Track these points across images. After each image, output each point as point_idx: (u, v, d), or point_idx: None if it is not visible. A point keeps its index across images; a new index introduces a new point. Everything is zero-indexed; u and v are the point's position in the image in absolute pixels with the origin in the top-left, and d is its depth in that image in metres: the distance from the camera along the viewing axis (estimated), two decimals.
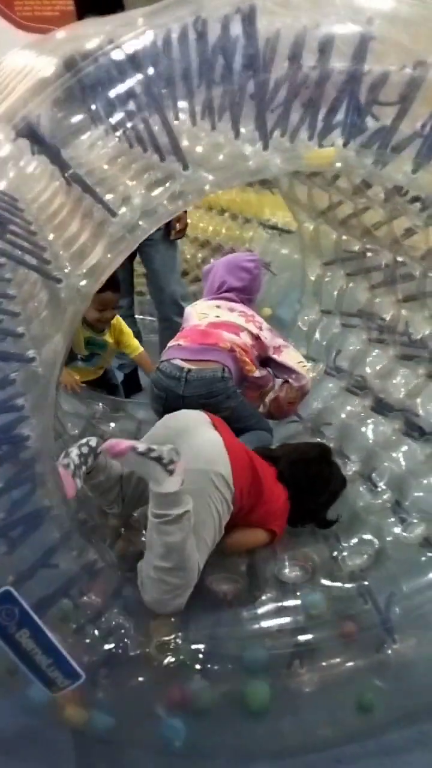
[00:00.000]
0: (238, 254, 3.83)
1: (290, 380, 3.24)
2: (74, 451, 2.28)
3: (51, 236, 2.03)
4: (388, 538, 2.63)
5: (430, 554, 2.52)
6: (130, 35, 1.89)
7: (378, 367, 3.29)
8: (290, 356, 3.23)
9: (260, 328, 3.16)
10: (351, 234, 3.37)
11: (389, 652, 2.23)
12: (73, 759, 2.25)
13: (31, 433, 1.93)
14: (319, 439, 3.28)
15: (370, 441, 3.16)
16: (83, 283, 1.91)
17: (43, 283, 1.96)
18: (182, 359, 2.95)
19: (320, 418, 3.49)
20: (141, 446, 2.11)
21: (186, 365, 2.91)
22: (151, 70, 1.85)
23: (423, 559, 2.51)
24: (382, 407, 3.19)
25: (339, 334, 3.67)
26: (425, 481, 2.79)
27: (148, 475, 2.14)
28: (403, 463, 2.92)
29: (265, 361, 3.20)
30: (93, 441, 2.35)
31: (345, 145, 1.89)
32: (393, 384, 3.14)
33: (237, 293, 3.33)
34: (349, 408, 3.41)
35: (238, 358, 2.98)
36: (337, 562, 2.57)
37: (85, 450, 2.30)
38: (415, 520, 2.67)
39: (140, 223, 1.88)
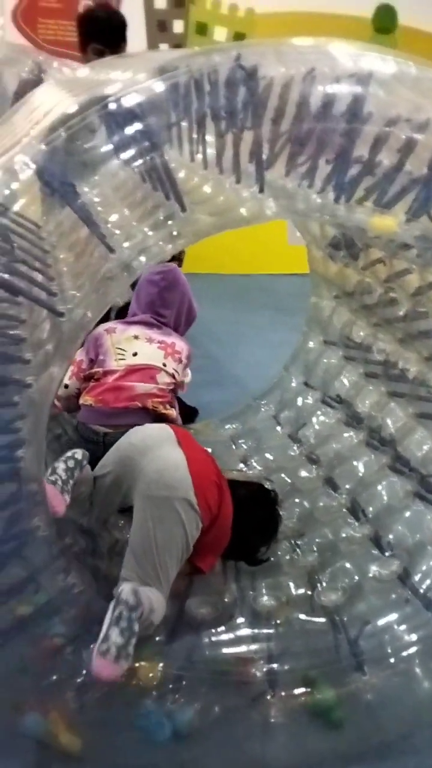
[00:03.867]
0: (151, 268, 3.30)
1: None
2: (60, 466, 2.28)
3: (64, 268, 2.12)
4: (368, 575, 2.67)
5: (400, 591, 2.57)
6: (147, 81, 1.99)
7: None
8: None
9: (179, 360, 3.08)
10: (366, 321, 3.44)
11: (358, 684, 2.32)
12: None
13: (24, 455, 2.00)
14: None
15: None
16: (86, 316, 1.99)
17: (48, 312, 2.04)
18: (98, 424, 2.91)
19: (268, 472, 3.51)
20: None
21: (102, 429, 2.88)
22: (162, 115, 1.94)
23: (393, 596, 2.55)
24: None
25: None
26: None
27: None
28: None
29: None
30: (78, 454, 2.36)
31: (408, 220, 1.96)
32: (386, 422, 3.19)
33: (151, 314, 3.20)
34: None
35: (152, 412, 2.91)
36: (312, 596, 2.62)
37: (71, 464, 2.31)
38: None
39: (140, 259, 1.98)
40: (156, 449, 2.44)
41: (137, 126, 1.91)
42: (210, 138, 1.96)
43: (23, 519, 2.07)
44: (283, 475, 3.40)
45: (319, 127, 1.92)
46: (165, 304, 3.21)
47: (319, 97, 1.90)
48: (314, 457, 3.46)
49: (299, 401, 3.88)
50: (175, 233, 1.98)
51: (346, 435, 3.39)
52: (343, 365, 3.66)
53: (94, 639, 2.10)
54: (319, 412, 3.69)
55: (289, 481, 3.36)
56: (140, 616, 2.07)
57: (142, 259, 1.97)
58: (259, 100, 1.89)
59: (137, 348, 3.04)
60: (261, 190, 1.96)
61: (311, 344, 3.99)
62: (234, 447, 3.78)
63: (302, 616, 2.52)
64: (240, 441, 3.83)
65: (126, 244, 1.98)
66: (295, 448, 3.62)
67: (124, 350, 3.04)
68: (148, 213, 2.09)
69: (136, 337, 3.08)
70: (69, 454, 2.35)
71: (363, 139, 1.91)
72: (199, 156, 1.99)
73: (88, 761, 2.24)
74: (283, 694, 2.32)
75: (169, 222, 2.00)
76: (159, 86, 1.94)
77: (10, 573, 2.07)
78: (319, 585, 2.65)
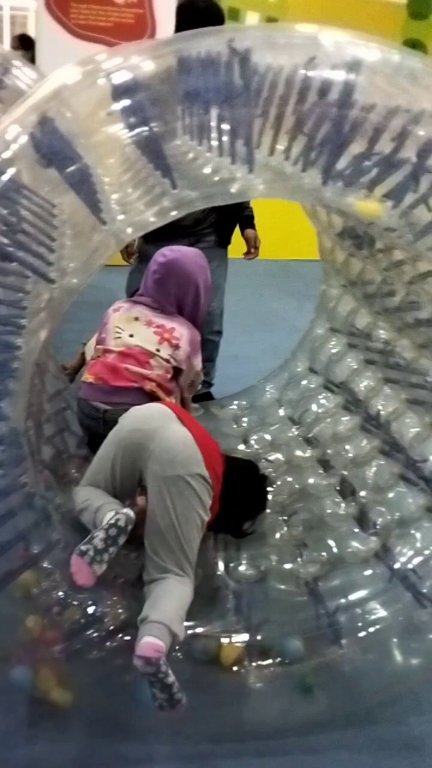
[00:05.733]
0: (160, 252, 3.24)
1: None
2: (99, 536, 2.20)
3: (67, 242, 2.18)
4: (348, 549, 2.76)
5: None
6: (153, 55, 2.10)
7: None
8: (190, 370, 3.17)
9: (176, 347, 3.07)
10: (368, 309, 3.50)
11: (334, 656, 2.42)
12: None
13: (11, 414, 2.12)
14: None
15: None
16: (73, 281, 2.09)
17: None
18: (99, 401, 2.97)
19: (265, 450, 3.60)
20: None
21: (102, 406, 2.94)
22: (163, 88, 2.03)
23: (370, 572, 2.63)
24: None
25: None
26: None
27: None
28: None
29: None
30: (121, 519, 2.24)
31: (394, 206, 2.02)
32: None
33: (152, 300, 3.18)
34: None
35: (147, 392, 2.94)
36: (293, 568, 2.71)
37: (112, 532, 2.22)
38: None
39: (128, 231, 2.07)
40: (162, 430, 2.46)
41: (131, 100, 2.00)
42: (212, 122, 2.04)
43: (11, 479, 2.17)
44: (278, 454, 3.49)
45: (311, 113, 1.98)
46: (160, 293, 3.17)
47: (311, 83, 1.96)
48: (310, 438, 3.54)
49: (302, 385, 3.94)
50: (164, 206, 2.06)
51: (343, 419, 3.46)
52: (346, 351, 3.71)
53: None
54: (319, 396, 3.76)
55: (284, 459, 3.45)
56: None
57: (129, 230, 2.06)
58: (252, 83, 1.97)
59: (134, 330, 3.08)
60: (250, 171, 2.03)
61: (318, 331, 4.05)
62: (235, 425, 3.88)
63: (282, 587, 2.61)
64: (242, 420, 3.93)
65: (120, 217, 2.07)
66: (294, 429, 3.70)
67: (121, 329, 3.08)
68: (147, 190, 2.17)
69: (136, 319, 3.11)
70: (112, 520, 2.23)
71: (352, 125, 1.98)
72: (205, 141, 2.08)
73: (77, 716, 2.36)
74: (259, 662, 2.42)
75: (163, 198, 2.08)
76: (149, 65, 2.02)
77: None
78: (299, 558, 2.74)
